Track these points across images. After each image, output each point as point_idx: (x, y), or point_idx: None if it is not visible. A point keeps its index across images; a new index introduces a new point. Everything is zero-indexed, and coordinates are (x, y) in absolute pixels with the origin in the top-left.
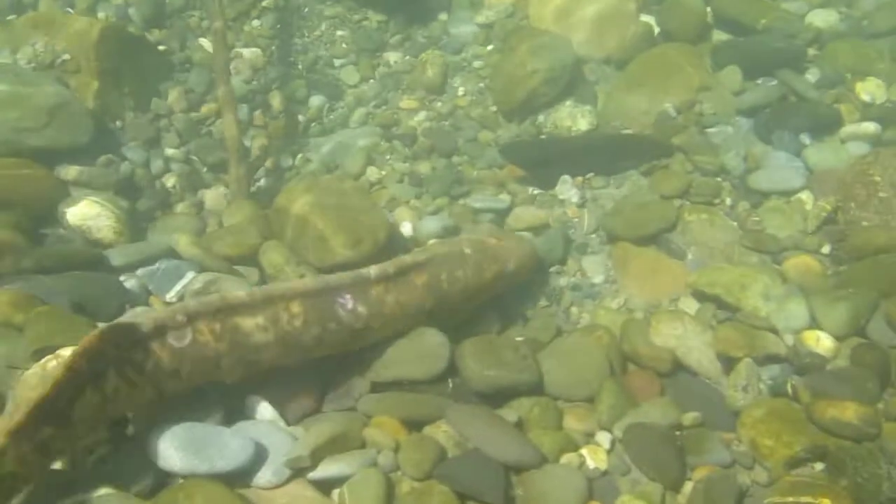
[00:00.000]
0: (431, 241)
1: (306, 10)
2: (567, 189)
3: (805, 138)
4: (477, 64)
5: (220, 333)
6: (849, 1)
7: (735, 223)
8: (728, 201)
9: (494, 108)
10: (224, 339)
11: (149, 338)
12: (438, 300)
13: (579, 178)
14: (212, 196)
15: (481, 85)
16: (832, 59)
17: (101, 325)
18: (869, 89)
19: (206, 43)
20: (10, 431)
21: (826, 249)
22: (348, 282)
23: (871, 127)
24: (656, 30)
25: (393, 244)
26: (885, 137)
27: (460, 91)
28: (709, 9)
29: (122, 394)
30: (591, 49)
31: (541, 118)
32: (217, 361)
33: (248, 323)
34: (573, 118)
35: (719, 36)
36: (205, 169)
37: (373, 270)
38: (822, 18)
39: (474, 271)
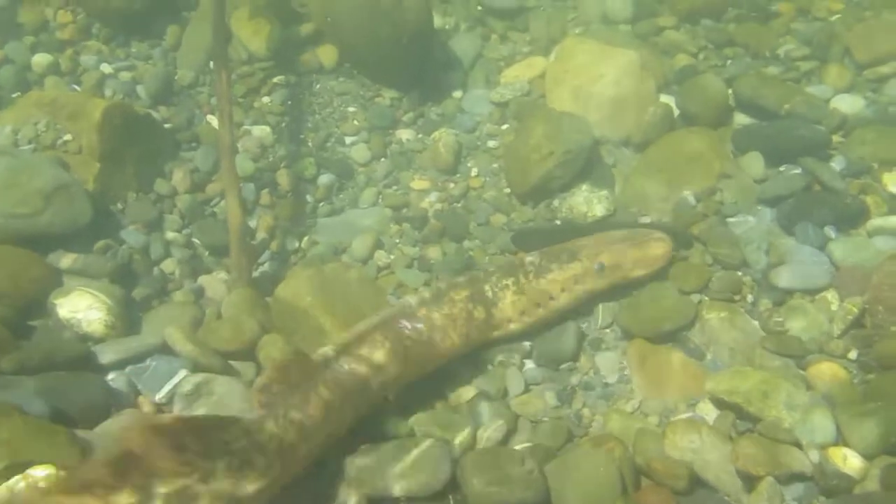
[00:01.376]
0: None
1: (318, 86)
2: None
3: (830, 231)
4: (491, 143)
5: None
6: (876, 86)
7: (756, 322)
8: (749, 298)
9: (508, 191)
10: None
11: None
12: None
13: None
14: (212, 282)
15: (495, 165)
16: (858, 147)
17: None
18: None
19: (214, 120)
20: None
21: (853, 355)
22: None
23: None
24: (676, 111)
25: None
26: None
27: (473, 171)
28: (730, 91)
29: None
30: (609, 130)
31: (556, 202)
32: None
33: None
34: (589, 203)
35: (741, 119)
36: (206, 252)
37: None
38: (847, 104)
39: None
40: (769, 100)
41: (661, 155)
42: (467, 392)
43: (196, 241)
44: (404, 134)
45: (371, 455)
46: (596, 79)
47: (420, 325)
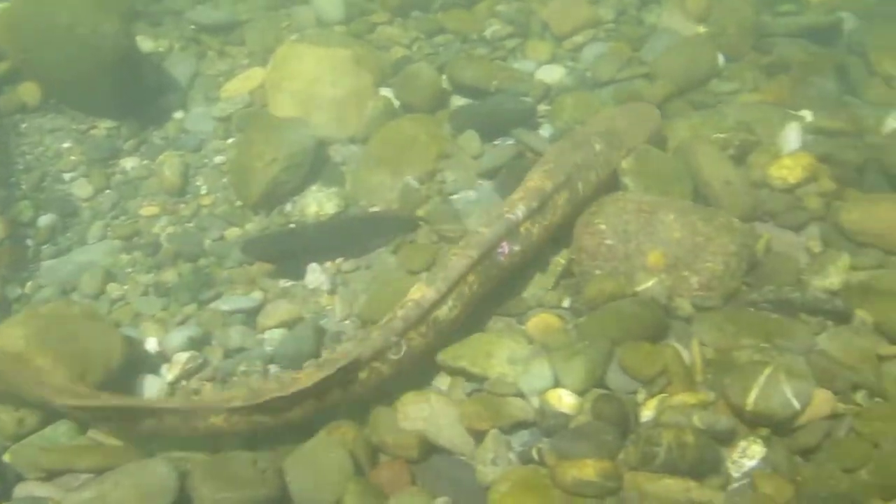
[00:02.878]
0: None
1: (24, 125)
2: (316, 277)
3: None
4: (218, 159)
5: (426, 332)
6: (574, 55)
7: None
8: None
9: (240, 203)
10: (429, 334)
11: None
12: (577, 207)
13: (329, 264)
14: None
15: (224, 180)
16: (561, 113)
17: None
18: None
19: None
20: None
21: (566, 303)
22: (502, 233)
23: None
24: (396, 103)
25: (135, 364)
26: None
27: (203, 190)
28: (444, 76)
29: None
30: (334, 130)
31: (288, 207)
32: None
33: (443, 311)
34: (320, 203)
35: (457, 101)
36: None
37: (520, 211)
38: (549, 74)
39: (605, 168)
40: (479, 79)
41: (383, 146)
42: None
43: None
44: (128, 162)
45: (92, 488)
46: (313, 81)
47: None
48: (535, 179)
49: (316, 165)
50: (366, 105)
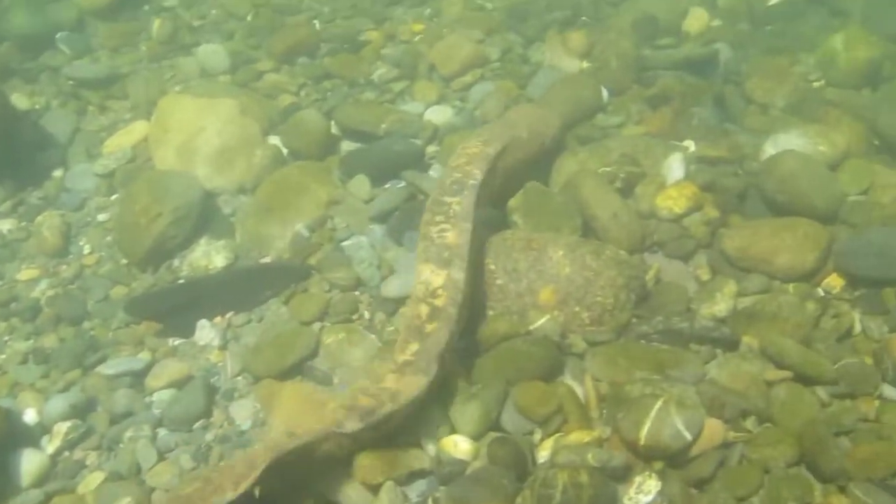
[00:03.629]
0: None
1: None
2: (206, 333)
3: None
4: (102, 217)
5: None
6: (462, 95)
7: (374, 336)
8: (366, 315)
9: (125, 261)
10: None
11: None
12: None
13: (219, 319)
14: None
15: (109, 238)
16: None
17: None
18: None
19: None
20: None
21: (462, 343)
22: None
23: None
24: (285, 150)
25: (12, 438)
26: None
27: (86, 249)
28: (332, 122)
29: None
30: (221, 180)
31: (176, 262)
32: None
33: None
34: (208, 256)
35: (347, 146)
36: None
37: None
38: (438, 115)
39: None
40: (368, 123)
41: (271, 195)
42: (95, 479)
43: None
44: (4, 225)
45: None
46: (198, 132)
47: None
48: (475, 147)
49: (204, 218)
50: (254, 154)
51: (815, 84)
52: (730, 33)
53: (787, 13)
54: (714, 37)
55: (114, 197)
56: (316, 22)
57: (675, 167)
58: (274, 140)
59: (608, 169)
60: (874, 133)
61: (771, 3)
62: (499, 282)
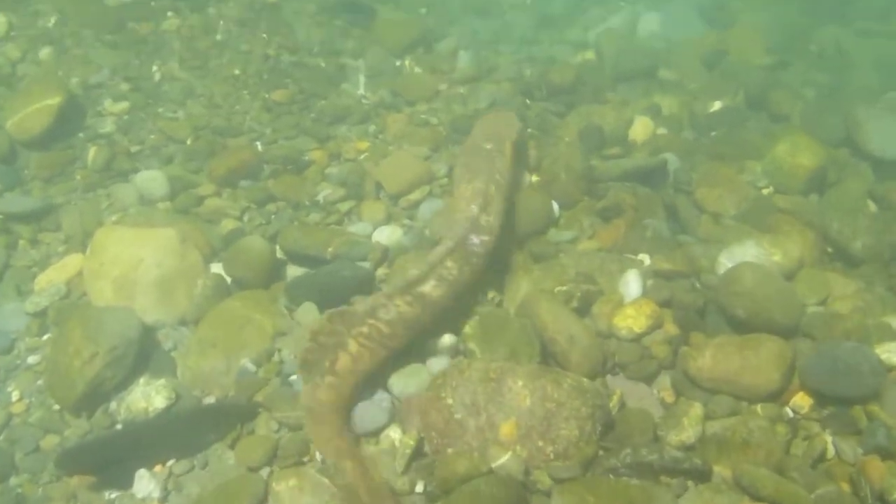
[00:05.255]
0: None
1: None
2: (145, 485)
3: None
4: (32, 360)
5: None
6: (410, 213)
7: (327, 481)
8: (319, 456)
9: (58, 407)
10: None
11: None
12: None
13: (159, 468)
14: None
15: (39, 383)
16: (401, 275)
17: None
18: None
19: None
20: None
21: (420, 487)
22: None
23: (447, 339)
24: (228, 279)
25: None
26: (462, 347)
27: (15, 395)
28: (277, 246)
29: (363, 356)
30: (161, 313)
31: (113, 405)
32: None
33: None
34: (148, 397)
35: (293, 271)
36: None
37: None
38: (386, 235)
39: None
40: (314, 247)
41: (214, 328)
42: None
43: None
44: None
45: None
46: (136, 264)
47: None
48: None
49: (143, 355)
50: (195, 284)
51: (764, 191)
52: (675, 141)
53: (729, 119)
54: (660, 145)
55: (45, 337)
56: (258, 143)
57: (631, 284)
58: (216, 268)
59: (564, 288)
60: (826, 240)
61: (712, 109)
62: (457, 416)
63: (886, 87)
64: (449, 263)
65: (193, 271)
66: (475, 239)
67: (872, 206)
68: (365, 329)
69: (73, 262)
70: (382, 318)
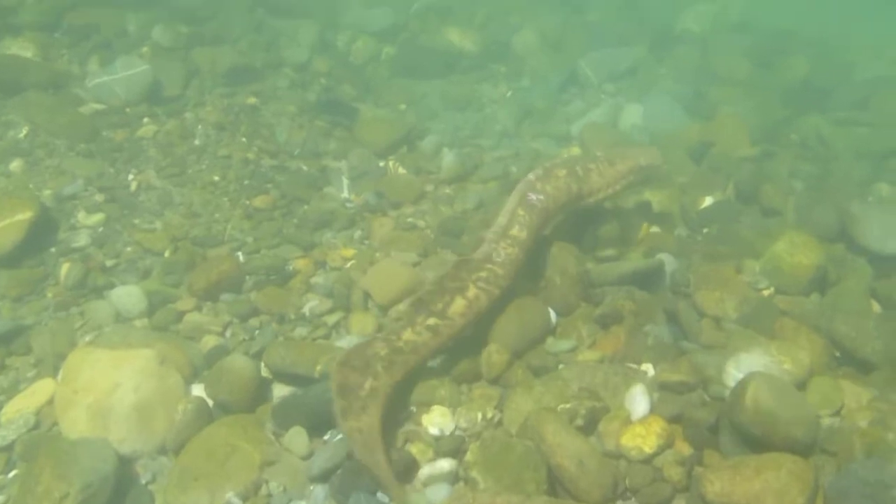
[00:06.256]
0: None
1: None
2: None
3: (382, 496)
4: None
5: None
6: None
7: None
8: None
9: None
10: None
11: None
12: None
13: None
14: None
15: None
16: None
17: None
18: (435, 420)
19: None
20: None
21: None
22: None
23: (445, 465)
24: (210, 402)
25: None
26: (462, 474)
27: None
28: (262, 364)
29: (480, 298)
30: (138, 443)
31: None
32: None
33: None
34: None
35: (280, 391)
36: None
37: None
38: None
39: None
40: (301, 365)
41: (197, 458)
42: None
43: None
44: None
45: None
46: (112, 390)
47: (541, 196)
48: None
49: (119, 491)
50: (175, 409)
51: (765, 292)
52: (669, 240)
53: (722, 214)
54: (654, 244)
55: (12, 474)
56: (239, 253)
57: (638, 400)
58: (198, 390)
59: (567, 405)
60: (833, 344)
61: (703, 205)
62: None
63: (872, 178)
64: (520, 212)
65: (173, 395)
66: (532, 196)
67: (876, 306)
68: (483, 274)
69: (43, 387)
70: (496, 261)
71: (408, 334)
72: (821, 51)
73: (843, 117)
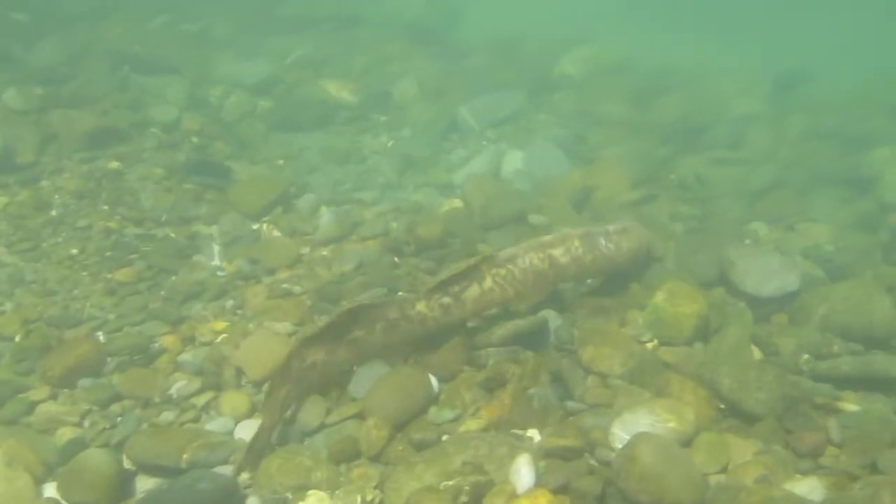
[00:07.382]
0: None
1: None
2: None
3: None
4: None
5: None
6: None
7: None
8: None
9: None
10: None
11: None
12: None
13: None
14: None
15: None
16: (268, 479)
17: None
18: None
19: None
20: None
21: None
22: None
23: None
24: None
25: None
26: None
27: None
28: (124, 456)
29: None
30: None
31: None
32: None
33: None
34: None
35: (145, 484)
36: None
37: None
38: (250, 431)
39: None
40: (166, 456)
41: None
42: None
43: None
44: None
45: None
46: None
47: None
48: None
49: None
50: None
51: (649, 345)
52: (552, 295)
53: None
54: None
55: None
56: (100, 333)
57: (523, 472)
58: (51, 491)
59: (451, 483)
60: (718, 397)
61: None
62: None
63: (749, 216)
64: (576, 243)
65: (22, 498)
66: (602, 240)
67: (757, 352)
68: (503, 271)
69: None
70: (519, 265)
71: (421, 305)
72: (695, 88)
73: (718, 156)
